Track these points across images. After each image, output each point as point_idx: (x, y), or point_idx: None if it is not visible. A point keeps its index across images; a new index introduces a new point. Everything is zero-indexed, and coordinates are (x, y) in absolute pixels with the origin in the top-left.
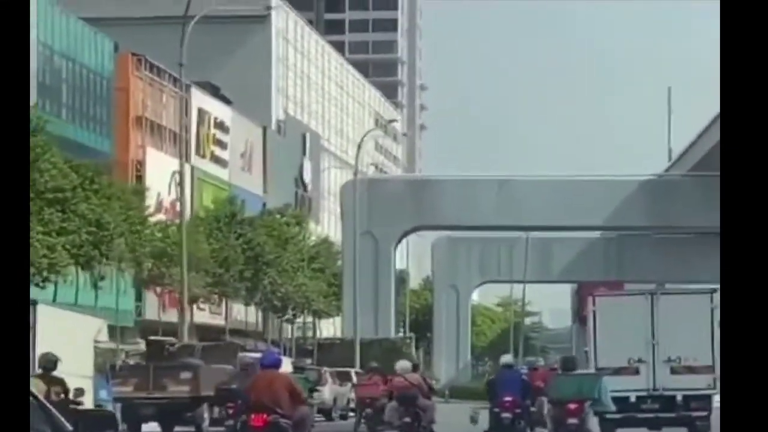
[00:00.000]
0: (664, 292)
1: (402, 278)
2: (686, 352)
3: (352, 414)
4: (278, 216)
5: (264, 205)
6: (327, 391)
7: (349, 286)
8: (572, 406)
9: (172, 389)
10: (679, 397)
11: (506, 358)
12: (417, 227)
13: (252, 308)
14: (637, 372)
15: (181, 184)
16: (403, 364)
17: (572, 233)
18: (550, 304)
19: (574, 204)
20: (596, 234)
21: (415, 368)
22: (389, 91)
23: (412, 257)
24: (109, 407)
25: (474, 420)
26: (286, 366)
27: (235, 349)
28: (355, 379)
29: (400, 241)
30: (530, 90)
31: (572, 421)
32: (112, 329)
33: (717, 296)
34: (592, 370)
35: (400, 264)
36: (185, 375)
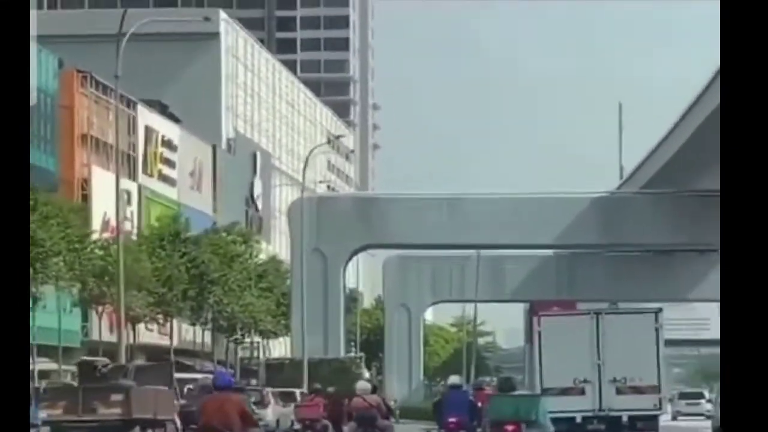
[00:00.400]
0: (609, 312)
1: (353, 297)
2: (632, 372)
3: None
4: (225, 234)
5: (214, 223)
6: (270, 412)
7: (297, 305)
8: (509, 427)
9: (102, 412)
10: (624, 418)
11: (453, 379)
12: (366, 245)
13: (201, 328)
14: (582, 392)
15: (117, 201)
16: (362, 385)
17: (524, 251)
18: (504, 324)
19: (525, 222)
20: (549, 252)
21: (374, 389)
22: (341, 111)
23: (365, 277)
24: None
25: None
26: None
27: (170, 370)
28: (300, 399)
29: (349, 259)
30: (483, 108)
31: None
32: (53, 350)
33: (661, 316)
34: (538, 391)
35: (351, 283)
36: (116, 397)
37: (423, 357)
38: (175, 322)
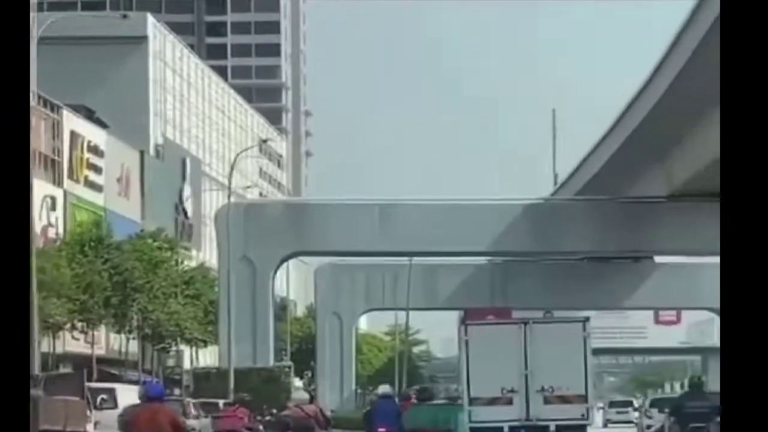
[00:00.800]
0: (537, 321)
1: (283, 305)
2: (559, 381)
3: None
4: (150, 240)
5: (142, 230)
6: (193, 423)
7: (224, 313)
8: None
9: None
10: (552, 427)
11: (383, 388)
12: (296, 252)
13: (131, 337)
14: (510, 402)
15: (28, 205)
16: (300, 395)
17: (458, 259)
18: (440, 333)
19: (458, 229)
20: (482, 260)
21: (311, 399)
22: (273, 117)
23: (297, 285)
24: None
25: None
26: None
27: (82, 380)
28: (222, 409)
29: (279, 266)
30: (417, 115)
31: None
32: None
33: (588, 325)
34: (465, 401)
35: (282, 291)
36: None
37: (355, 366)
38: (103, 330)
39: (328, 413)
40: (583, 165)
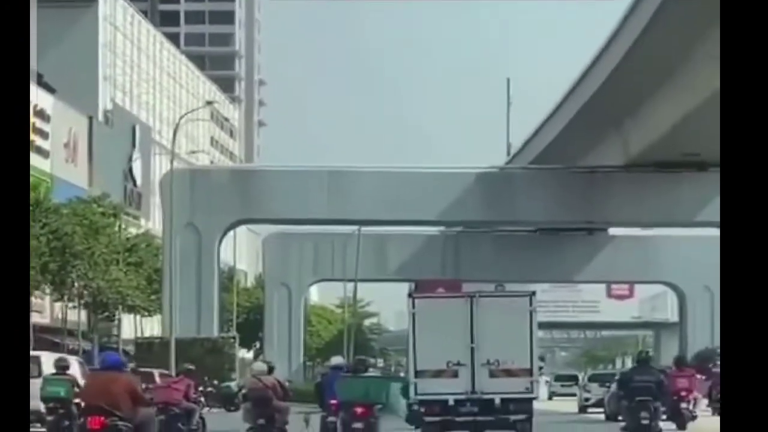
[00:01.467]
0: (484, 294)
1: (231, 275)
2: (505, 355)
3: None
4: (94, 205)
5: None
6: None
7: (168, 281)
8: (359, 409)
9: None
10: (497, 400)
11: (336, 360)
12: (242, 220)
13: (71, 305)
14: (455, 375)
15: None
16: (258, 366)
17: (409, 229)
18: (392, 306)
19: (408, 196)
20: (434, 231)
21: (270, 370)
22: (226, 86)
23: (247, 255)
24: None
25: (307, 422)
26: (78, 367)
27: None
28: (158, 380)
29: (225, 234)
30: (373, 84)
31: (357, 425)
32: None
33: (535, 299)
34: (411, 374)
35: (231, 260)
36: None
37: (304, 337)
38: (48, 299)
39: (287, 384)
40: (537, 134)
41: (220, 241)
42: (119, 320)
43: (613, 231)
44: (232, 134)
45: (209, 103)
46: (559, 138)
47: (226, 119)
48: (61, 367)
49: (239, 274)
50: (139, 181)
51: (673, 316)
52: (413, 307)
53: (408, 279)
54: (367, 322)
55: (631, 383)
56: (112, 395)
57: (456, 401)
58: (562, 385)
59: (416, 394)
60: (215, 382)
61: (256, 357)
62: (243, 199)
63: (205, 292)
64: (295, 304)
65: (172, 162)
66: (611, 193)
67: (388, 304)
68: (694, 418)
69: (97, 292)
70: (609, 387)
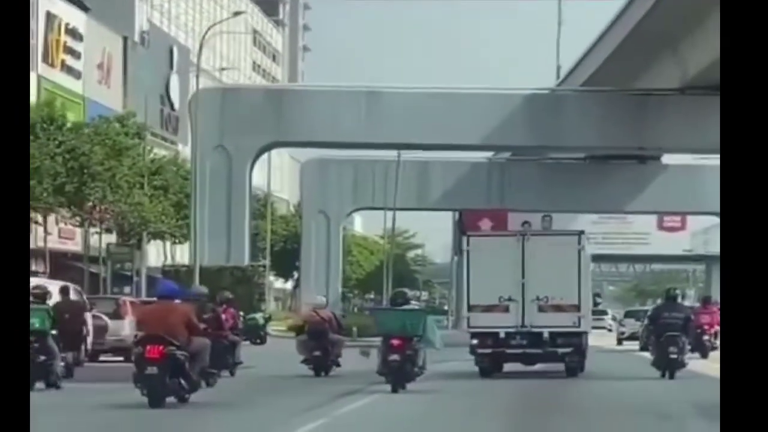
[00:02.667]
0: (535, 233)
1: (265, 202)
2: (553, 291)
3: None
4: (117, 124)
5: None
6: (126, 326)
7: (197, 206)
8: (395, 341)
9: None
10: (545, 334)
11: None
12: (275, 143)
13: (102, 231)
14: (507, 310)
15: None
16: (318, 300)
17: (453, 155)
18: (439, 237)
19: (450, 119)
20: (479, 157)
21: (327, 304)
22: (270, 9)
23: (290, 182)
24: None
25: (366, 354)
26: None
27: None
28: None
29: (257, 157)
30: (418, 4)
31: (394, 357)
32: None
33: (584, 237)
34: (464, 308)
35: (264, 185)
36: None
37: (343, 268)
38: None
39: (342, 319)
40: (588, 55)
41: (252, 165)
42: (140, 248)
43: (665, 160)
44: (275, 59)
45: (237, 14)
46: (611, 59)
47: (276, 50)
48: (37, 295)
49: (280, 202)
50: (176, 105)
51: None
52: (467, 245)
53: (451, 208)
54: (411, 254)
55: (660, 319)
56: (169, 325)
57: (507, 334)
58: (594, 319)
59: (469, 326)
60: (241, 313)
61: (294, 288)
62: (276, 121)
63: (236, 219)
64: (334, 233)
65: (198, 78)
66: (665, 118)
67: (433, 236)
68: (714, 348)
69: (120, 217)
70: (642, 322)
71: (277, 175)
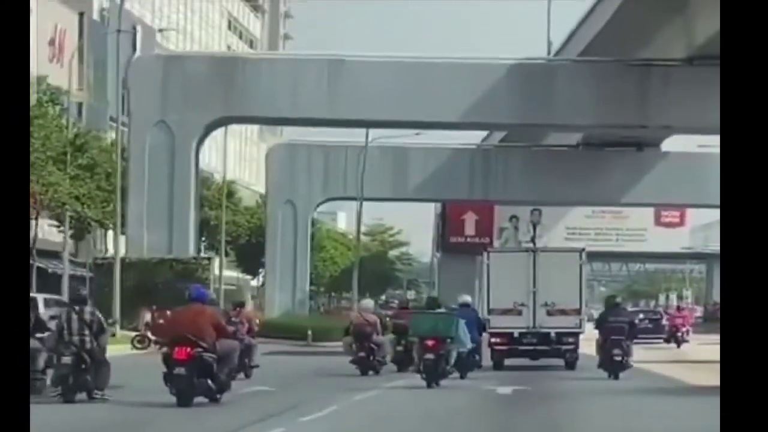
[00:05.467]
0: (544, 250)
1: (229, 192)
2: (559, 298)
3: None
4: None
5: (80, 105)
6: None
7: (135, 190)
8: (430, 342)
9: None
10: (552, 334)
11: (464, 298)
12: (225, 118)
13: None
14: (520, 313)
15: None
16: (365, 303)
17: (432, 141)
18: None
19: (426, 93)
20: (460, 144)
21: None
22: None
23: (250, 166)
24: None
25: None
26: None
27: None
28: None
29: (205, 135)
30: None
31: (429, 356)
32: None
33: (584, 254)
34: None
35: (231, 175)
36: None
37: (315, 264)
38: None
39: (387, 321)
40: (582, 24)
41: (199, 144)
42: (65, 237)
43: (665, 147)
44: (252, 45)
45: None
46: (609, 26)
47: (246, 29)
48: None
49: (252, 194)
50: None
51: None
52: (488, 259)
53: (431, 199)
54: (395, 252)
55: (606, 323)
56: (198, 327)
57: (520, 334)
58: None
59: (489, 327)
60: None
61: (262, 286)
62: (226, 94)
63: (179, 206)
64: (301, 226)
65: (135, 47)
66: (670, 91)
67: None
68: (686, 341)
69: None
70: None
71: (254, 167)
